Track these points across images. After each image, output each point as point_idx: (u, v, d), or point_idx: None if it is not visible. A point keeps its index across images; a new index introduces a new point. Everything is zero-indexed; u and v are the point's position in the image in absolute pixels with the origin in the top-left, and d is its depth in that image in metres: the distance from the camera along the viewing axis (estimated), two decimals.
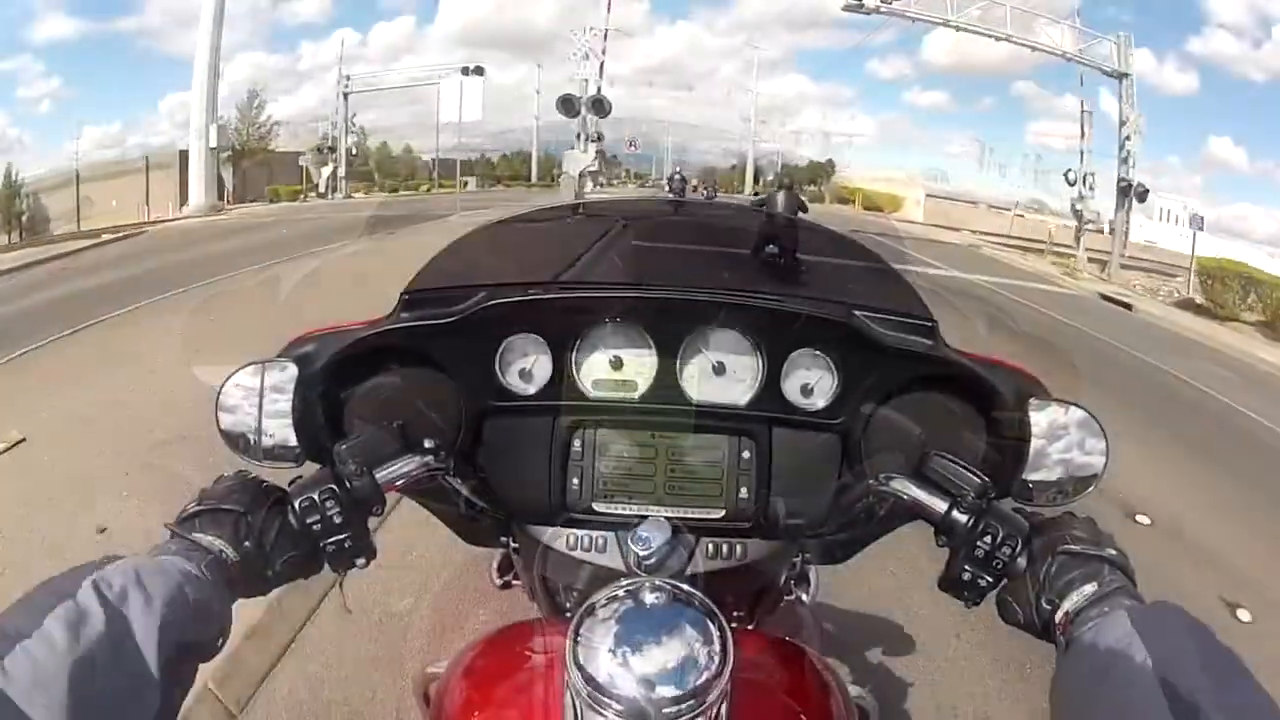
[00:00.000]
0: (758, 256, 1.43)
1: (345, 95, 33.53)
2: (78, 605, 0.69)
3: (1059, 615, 0.88)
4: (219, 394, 1.16)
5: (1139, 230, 24.26)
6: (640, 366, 1.22)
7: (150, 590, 0.74)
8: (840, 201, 40.07)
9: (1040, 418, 1.15)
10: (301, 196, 31.26)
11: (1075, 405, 1.16)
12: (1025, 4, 26.53)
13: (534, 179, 41.09)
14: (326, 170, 32.30)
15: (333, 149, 32.99)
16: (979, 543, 0.94)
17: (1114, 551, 0.90)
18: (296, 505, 0.94)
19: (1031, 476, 1.15)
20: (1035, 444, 1.14)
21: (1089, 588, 0.86)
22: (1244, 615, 3.87)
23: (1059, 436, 1.15)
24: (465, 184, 35.73)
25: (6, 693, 0.62)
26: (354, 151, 33.95)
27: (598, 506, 1.20)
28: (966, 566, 0.95)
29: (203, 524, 0.88)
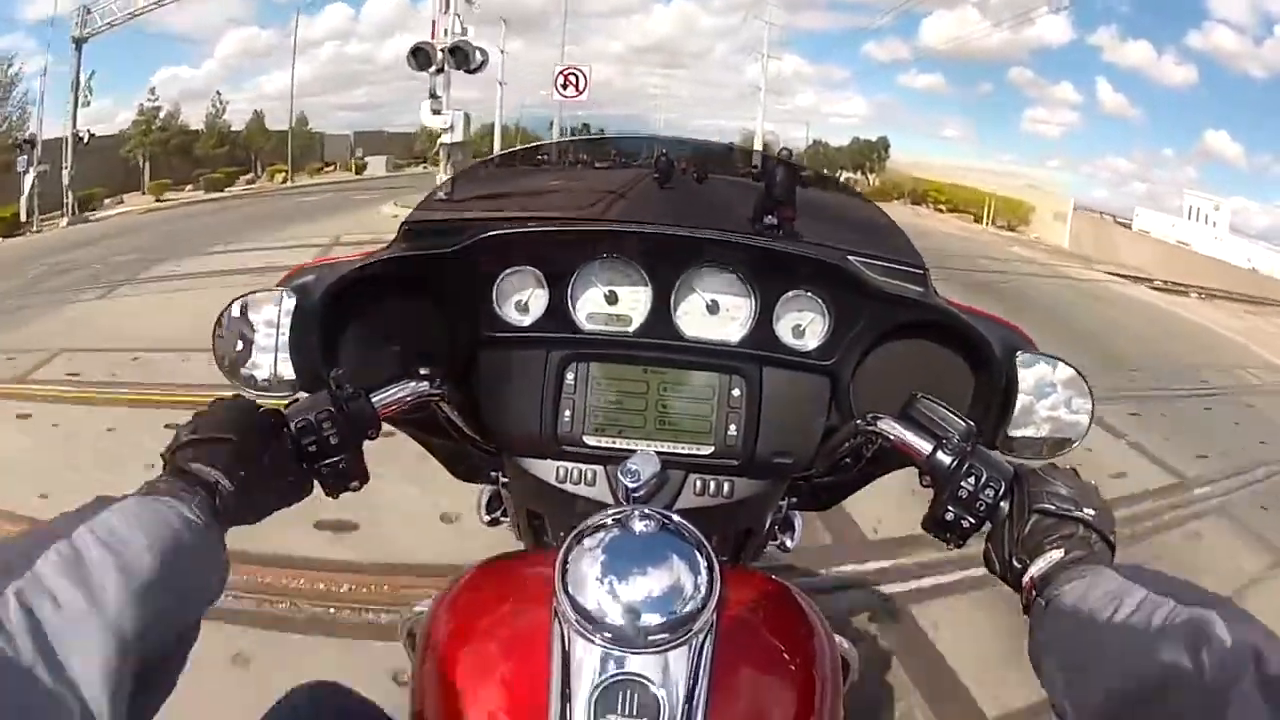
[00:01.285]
0: (788, 223, 1.41)
1: (80, 42, 20.62)
2: (73, 548, 0.66)
3: (1025, 579, 0.89)
4: (216, 324, 1.17)
5: (1170, 230, 23.43)
6: (634, 302, 1.23)
7: (146, 532, 0.72)
8: (913, 202, 29.98)
9: (1027, 372, 1.17)
10: None
11: (1063, 362, 1.18)
12: None
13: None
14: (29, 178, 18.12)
15: (30, 143, 19.60)
16: (963, 483, 0.94)
17: (1091, 512, 0.90)
18: (293, 427, 0.94)
19: (1016, 430, 1.18)
20: (1021, 398, 1.16)
21: (1056, 553, 0.88)
22: None
23: (1045, 392, 1.17)
24: (361, 164, 29.68)
25: None
26: (85, 140, 20.67)
27: (588, 439, 1.21)
28: (950, 507, 0.95)
29: (197, 453, 0.86)
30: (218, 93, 27.22)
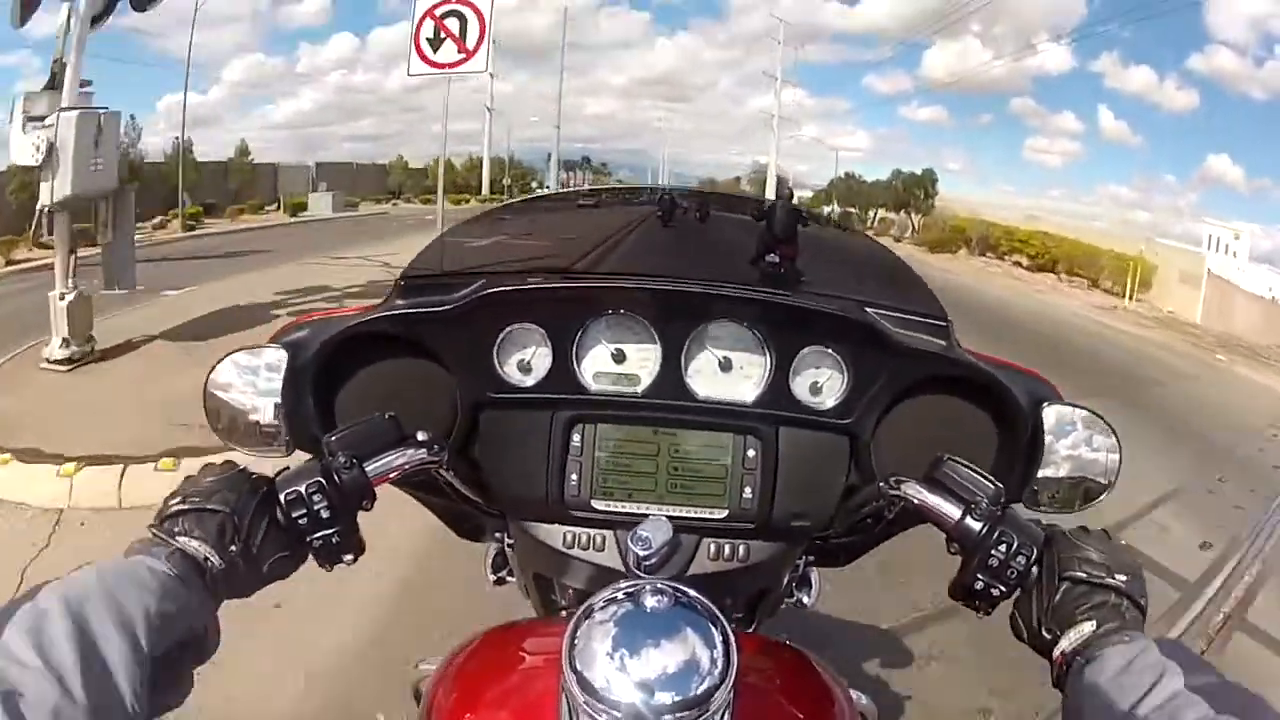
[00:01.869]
0: (763, 259, 1.39)
1: None
2: (40, 613, 0.66)
3: (1055, 653, 0.86)
4: (207, 380, 1.14)
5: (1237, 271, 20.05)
6: (643, 360, 1.19)
7: (120, 597, 0.71)
8: (982, 252, 24.01)
9: (1054, 423, 1.12)
10: None
11: (1089, 411, 1.14)
12: (1021, 22, 26.27)
13: (486, 190, 32.24)
14: None
15: None
16: (993, 551, 0.90)
17: (1123, 578, 0.87)
18: (282, 499, 0.89)
19: (1042, 483, 1.13)
20: (1048, 450, 1.12)
21: (1088, 626, 0.84)
22: None
23: (1073, 443, 1.13)
24: (298, 203, 25.32)
25: None
26: None
27: (596, 504, 1.16)
28: (979, 575, 0.91)
29: (187, 524, 0.84)
30: (131, 116, 22.25)
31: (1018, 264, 22.94)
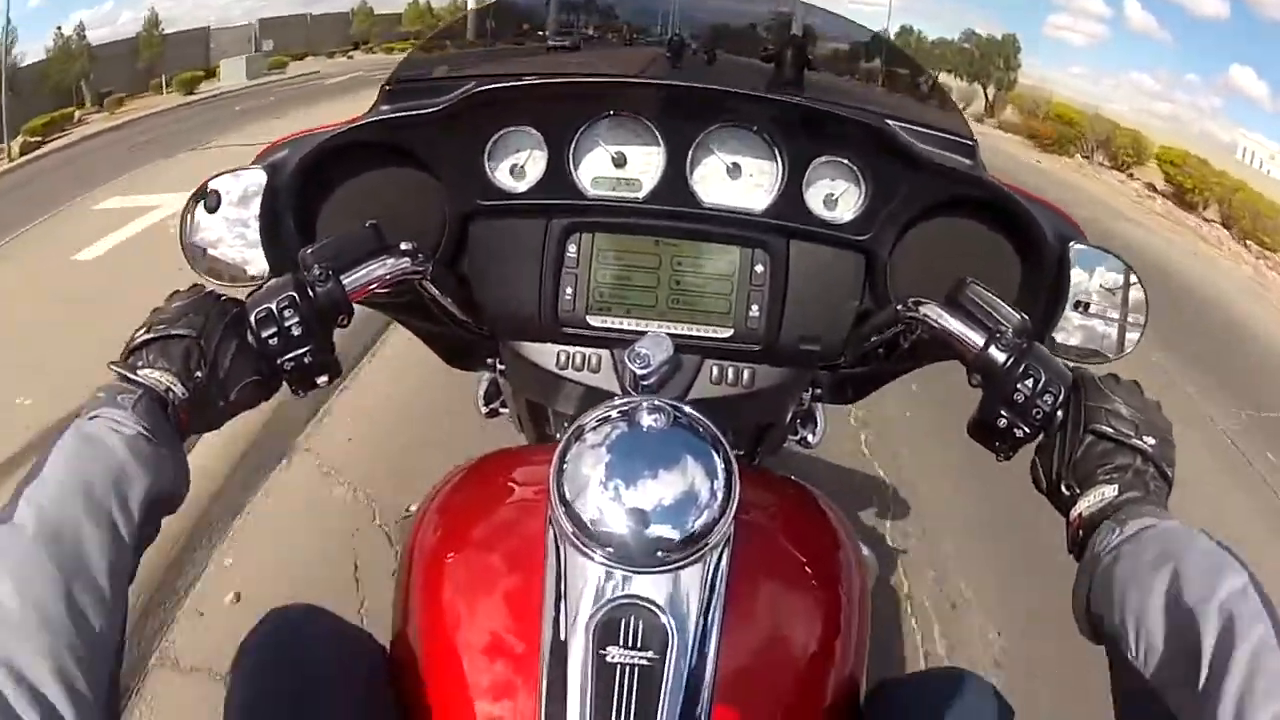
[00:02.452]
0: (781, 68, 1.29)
1: None
2: (12, 526, 0.63)
3: (1073, 514, 0.81)
4: (185, 210, 1.06)
5: None
6: (645, 164, 1.10)
7: (86, 459, 0.69)
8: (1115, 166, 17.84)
9: (1080, 266, 1.06)
10: None
11: (1119, 258, 1.07)
12: None
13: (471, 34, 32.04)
14: None
15: None
16: (1019, 385, 0.83)
17: (1151, 441, 0.81)
18: (252, 318, 0.83)
19: (1063, 328, 1.08)
20: (1072, 294, 1.06)
21: (1109, 489, 0.79)
22: None
23: (1099, 290, 1.07)
24: (206, 72, 20.54)
25: None
26: None
27: (592, 320, 1.10)
28: (1002, 411, 0.85)
29: (151, 355, 0.79)
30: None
31: (1151, 186, 15.80)
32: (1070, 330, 1.07)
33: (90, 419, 0.72)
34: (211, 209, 1.06)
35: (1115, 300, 1.07)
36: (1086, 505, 0.79)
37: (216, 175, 1.06)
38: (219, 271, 1.07)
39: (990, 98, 22.84)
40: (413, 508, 1.16)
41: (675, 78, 1.40)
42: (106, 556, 0.65)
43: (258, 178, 1.06)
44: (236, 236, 1.06)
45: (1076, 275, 1.06)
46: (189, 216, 1.06)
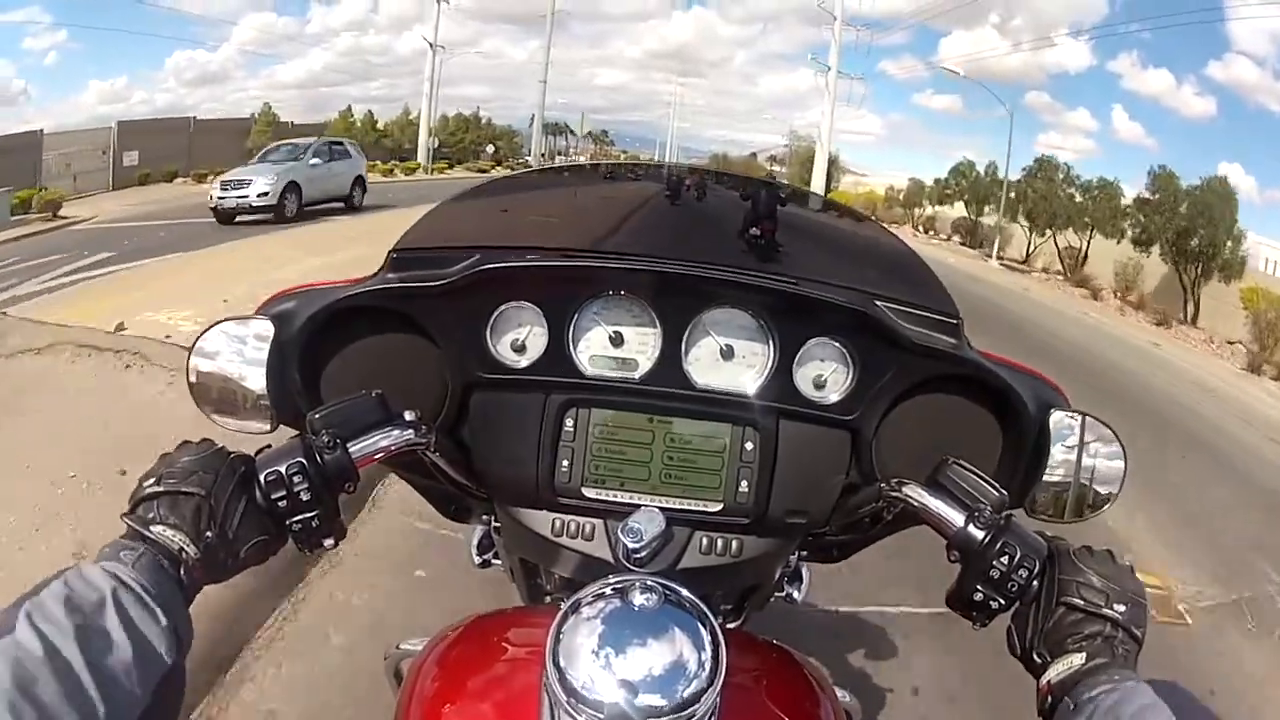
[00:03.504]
0: (769, 237, 1.35)
1: None
2: (15, 642, 0.64)
3: (1042, 681, 0.84)
4: (192, 349, 1.11)
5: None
6: (642, 344, 1.14)
7: (92, 613, 0.69)
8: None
9: (1061, 430, 1.10)
10: None
11: (1096, 419, 1.11)
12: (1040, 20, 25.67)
13: (425, 157, 29.99)
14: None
15: None
16: (995, 562, 0.87)
17: (1120, 608, 0.84)
18: (262, 479, 0.86)
19: (1043, 491, 1.12)
20: (1053, 457, 1.10)
21: (1077, 658, 0.82)
22: None
23: (1077, 450, 1.10)
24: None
25: None
26: None
27: (587, 492, 1.12)
28: (979, 586, 0.88)
29: (162, 509, 0.81)
30: None
31: None
32: (1053, 488, 1.11)
33: (104, 568, 0.74)
34: (216, 353, 1.10)
35: (1096, 459, 1.10)
36: (1055, 673, 0.83)
37: (222, 321, 1.10)
38: (222, 411, 1.11)
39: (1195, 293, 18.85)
40: (403, 645, 1.16)
41: (674, 224, 1.48)
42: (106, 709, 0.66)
43: (264, 327, 1.10)
44: (243, 383, 1.10)
45: (1059, 437, 1.10)
46: (194, 358, 1.10)
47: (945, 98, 31.07)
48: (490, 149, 28.54)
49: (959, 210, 27.92)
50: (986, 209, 26.43)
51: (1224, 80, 22.72)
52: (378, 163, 26.18)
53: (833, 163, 29.71)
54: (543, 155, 33.26)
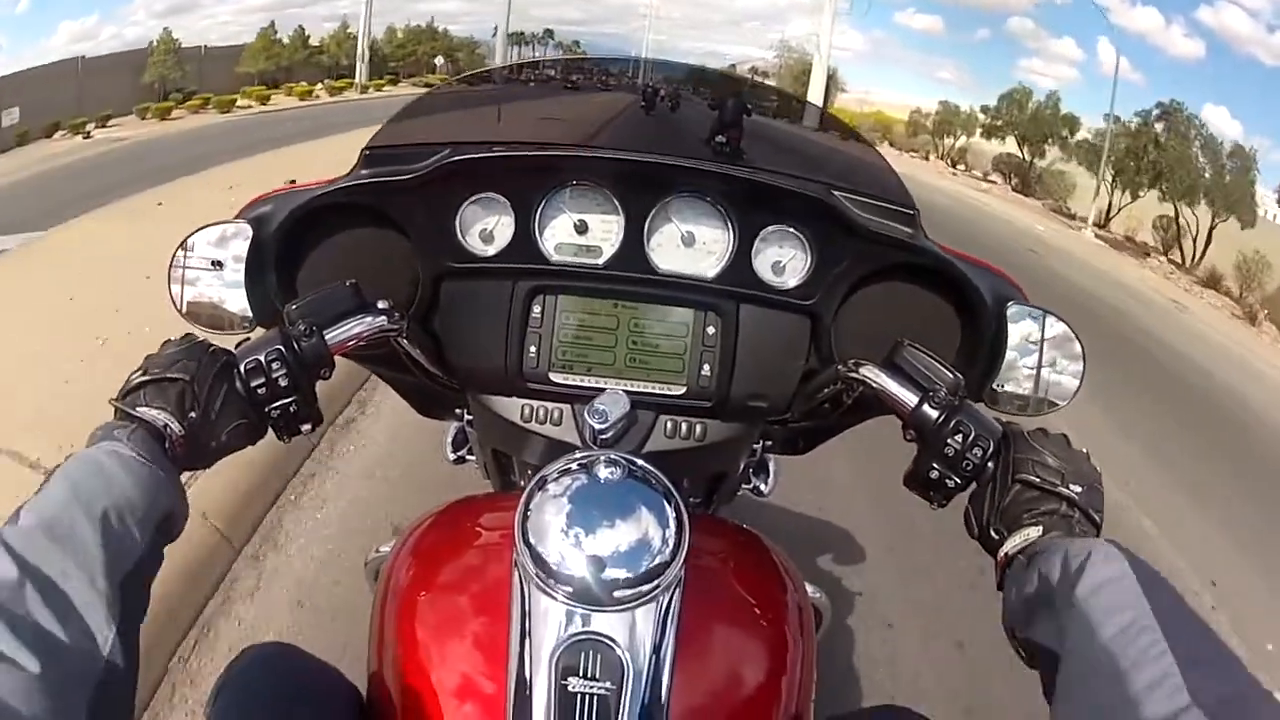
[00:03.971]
0: (734, 145, 1.36)
1: None
2: (16, 527, 0.67)
3: (1000, 554, 0.86)
4: (172, 258, 1.12)
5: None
6: (605, 232, 1.16)
7: (91, 491, 0.72)
8: None
9: (1018, 325, 1.12)
10: None
11: (1055, 316, 1.13)
12: None
13: (362, 75, 26.43)
14: None
15: None
16: (949, 440, 0.90)
17: (1076, 489, 0.86)
18: (242, 368, 0.89)
19: (1002, 384, 1.14)
20: (1010, 351, 1.12)
21: (1033, 531, 0.84)
22: None
23: (1035, 347, 1.13)
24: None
25: None
26: None
27: (555, 376, 1.15)
28: (935, 465, 0.92)
29: (148, 395, 0.84)
30: None
31: None
32: (1013, 384, 1.13)
33: (91, 449, 0.77)
34: (196, 259, 1.11)
35: (1053, 354, 1.12)
36: (1012, 545, 0.84)
37: (202, 227, 1.11)
38: (204, 317, 1.13)
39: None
40: (382, 548, 1.18)
41: (644, 130, 1.47)
42: (108, 558, 0.68)
43: (241, 230, 1.11)
44: (221, 285, 1.12)
45: (1018, 332, 1.12)
46: (175, 266, 1.12)
47: (926, 18, 30.32)
48: (440, 61, 25.98)
49: (997, 146, 24.49)
50: (1047, 149, 23.07)
51: (1213, 25, 22.20)
52: (293, 85, 24.26)
53: (830, 79, 26.41)
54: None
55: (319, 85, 25.39)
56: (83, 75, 17.83)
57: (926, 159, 25.80)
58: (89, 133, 15.89)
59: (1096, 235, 18.68)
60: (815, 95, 24.05)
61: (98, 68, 18.37)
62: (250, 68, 23.23)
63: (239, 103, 21.26)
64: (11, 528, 0.67)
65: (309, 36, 26.78)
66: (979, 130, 25.31)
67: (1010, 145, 24.24)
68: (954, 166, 25.45)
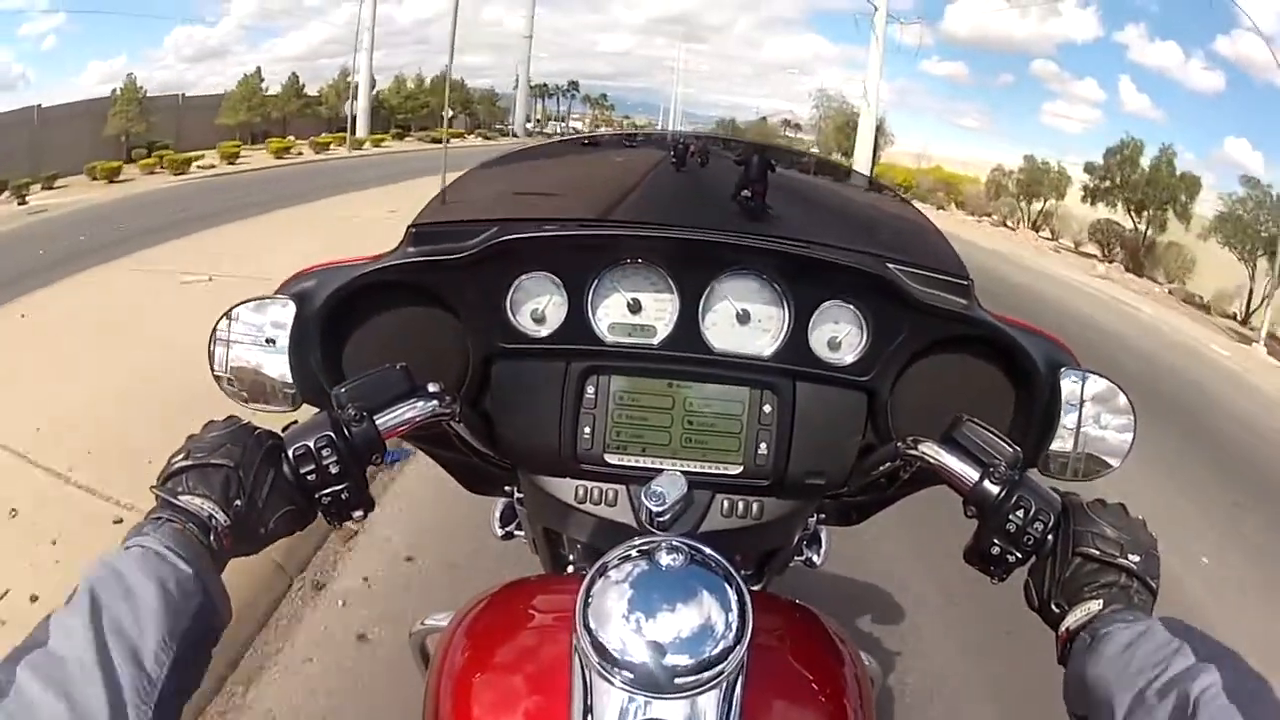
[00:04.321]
0: (767, 209, 1.37)
1: None
2: (55, 644, 0.65)
3: (1061, 628, 0.86)
4: (213, 333, 1.11)
5: None
6: (660, 311, 1.16)
7: (137, 591, 0.69)
8: None
9: (1071, 389, 1.11)
10: None
11: (1106, 378, 1.12)
12: None
13: (361, 128, 24.85)
14: None
15: None
16: (1011, 516, 0.89)
17: (1135, 558, 0.86)
18: (290, 454, 0.87)
19: (1055, 449, 1.12)
20: (1064, 416, 1.11)
21: (1095, 604, 0.84)
22: None
23: (1089, 410, 1.12)
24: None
25: None
26: None
27: (609, 458, 1.14)
28: (996, 540, 0.90)
29: (191, 481, 0.82)
30: None
31: None
32: (1064, 446, 1.12)
33: (128, 549, 0.74)
34: (239, 330, 1.11)
35: (1106, 417, 1.11)
36: (1074, 619, 0.84)
37: (243, 302, 1.11)
38: (245, 391, 1.12)
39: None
40: (428, 620, 1.19)
41: (688, 196, 1.49)
42: (133, 689, 0.65)
43: (284, 307, 1.11)
44: (265, 364, 1.11)
45: (1069, 396, 1.10)
46: (217, 337, 1.11)
47: (951, 64, 30.48)
48: (449, 113, 22.79)
49: (1089, 210, 21.47)
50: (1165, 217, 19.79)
51: (1231, 56, 22.08)
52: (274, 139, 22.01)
53: (878, 130, 24.88)
54: (535, 121, 30.78)
55: (309, 139, 23.52)
56: (39, 126, 16.28)
57: (1008, 227, 22.92)
58: (24, 197, 14.16)
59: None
60: (864, 147, 23.44)
61: (52, 118, 16.88)
62: (230, 119, 22.13)
63: (204, 160, 19.14)
64: (43, 652, 0.64)
65: (303, 85, 25.18)
66: (1081, 192, 22.19)
67: (1105, 209, 21.43)
68: (1054, 239, 22.33)
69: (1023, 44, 27.06)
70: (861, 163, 22.45)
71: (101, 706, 0.61)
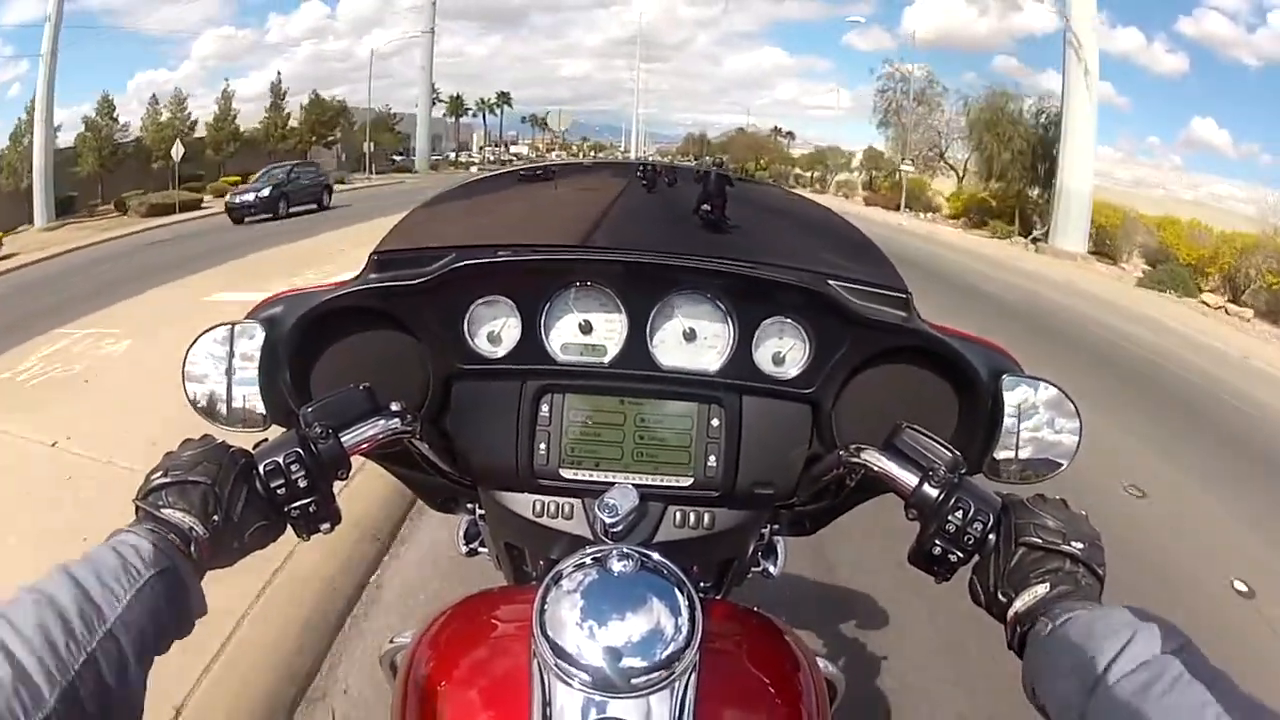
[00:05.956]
0: (725, 223, 1.41)
1: None
2: (49, 596, 0.69)
3: (1009, 614, 0.88)
4: (185, 357, 1.16)
5: None
6: (610, 331, 1.20)
7: (115, 583, 0.73)
8: None
9: (1013, 395, 1.15)
10: None
11: (1049, 383, 1.16)
12: None
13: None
14: None
15: None
16: (950, 517, 0.93)
17: (1079, 545, 0.88)
18: (261, 470, 0.92)
19: (1001, 454, 1.16)
20: (1007, 421, 1.15)
21: (1041, 588, 0.86)
22: None
23: (1031, 415, 1.15)
24: None
25: None
26: None
27: (565, 473, 1.18)
28: (937, 541, 0.94)
29: (171, 497, 0.86)
30: None
31: None
32: (1012, 452, 1.15)
33: (118, 545, 0.77)
34: (210, 357, 1.15)
35: (1049, 421, 1.15)
36: (1022, 603, 0.87)
37: (214, 326, 1.15)
38: (218, 414, 1.16)
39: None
40: (397, 639, 1.21)
41: (644, 216, 1.53)
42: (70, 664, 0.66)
43: (254, 331, 1.15)
44: (235, 386, 1.15)
45: (1013, 401, 1.14)
46: (190, 363, 1.16)
47: (910, 67, 30.79)
48: (178, 153, 22.15)
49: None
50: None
51: (1195, 35, 22.29)
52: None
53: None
54: (470, 150, 30.23)
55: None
56: None
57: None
58: None
59: None
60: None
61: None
62: (82, 169, 20.68)
63: None
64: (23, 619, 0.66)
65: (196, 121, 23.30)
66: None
67: None
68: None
69: (984, 41, 27.38)
70: None
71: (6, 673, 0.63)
